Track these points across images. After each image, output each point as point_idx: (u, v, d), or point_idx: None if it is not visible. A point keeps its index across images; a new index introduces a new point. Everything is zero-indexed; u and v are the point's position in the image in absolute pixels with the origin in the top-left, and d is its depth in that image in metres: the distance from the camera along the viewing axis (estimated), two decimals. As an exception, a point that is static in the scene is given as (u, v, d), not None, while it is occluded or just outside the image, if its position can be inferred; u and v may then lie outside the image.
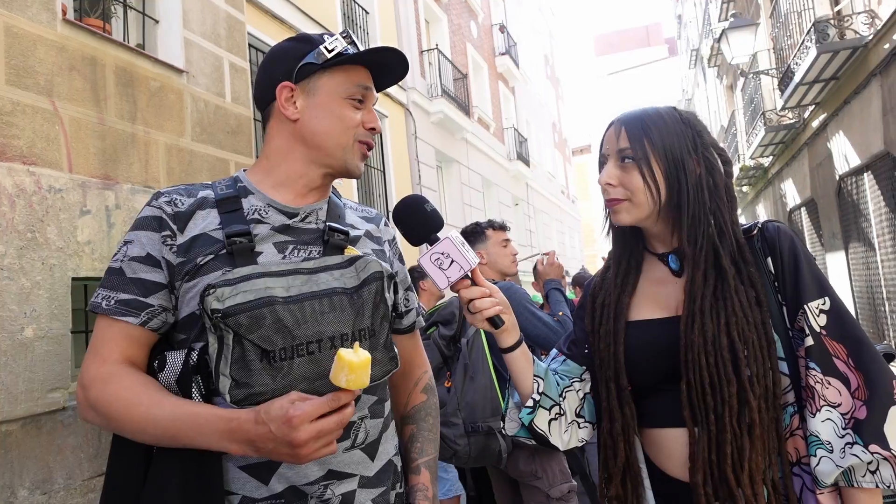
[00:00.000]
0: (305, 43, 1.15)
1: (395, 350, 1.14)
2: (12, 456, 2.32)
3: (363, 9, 9.62)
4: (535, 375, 1.20)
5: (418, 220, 1.14)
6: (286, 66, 1.14)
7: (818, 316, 1.04)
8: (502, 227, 2.98)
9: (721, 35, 9.38)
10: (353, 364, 0.85)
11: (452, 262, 1.07)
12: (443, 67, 11.91)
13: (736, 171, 13.55)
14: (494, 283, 2.25)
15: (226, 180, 1.17)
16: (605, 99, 41.44)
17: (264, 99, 1.18)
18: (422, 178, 10.65)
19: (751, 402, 1.03)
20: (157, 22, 3.51)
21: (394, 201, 9.65)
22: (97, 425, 1.02)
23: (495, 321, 1.13)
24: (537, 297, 4.54)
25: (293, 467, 1.04)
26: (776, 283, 1.09)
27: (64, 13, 2.80)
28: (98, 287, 1.06)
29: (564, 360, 1.29)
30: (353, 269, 1.09)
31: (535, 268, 4.45)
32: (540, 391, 1.20)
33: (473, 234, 2.95)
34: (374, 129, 1.18)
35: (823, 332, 1.04)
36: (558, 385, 1.24)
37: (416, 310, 1.33)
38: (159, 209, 1.08)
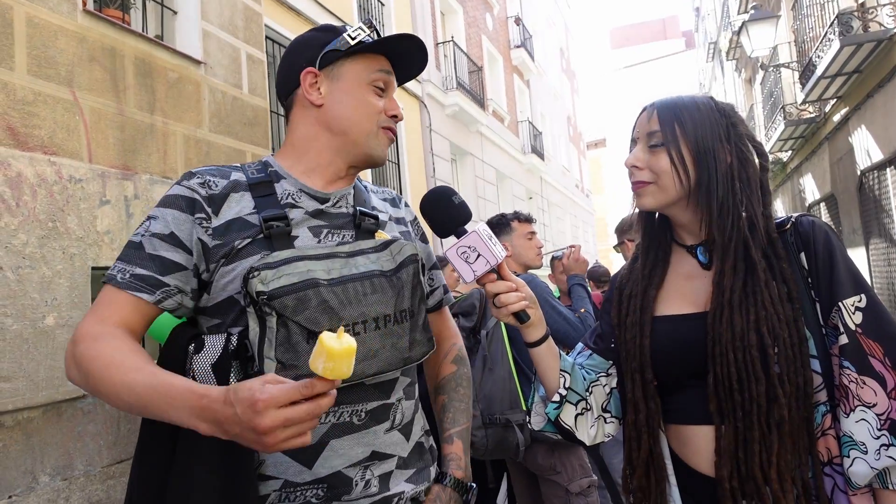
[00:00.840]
0: (329, 32, 1.17)
1: (432, 331, 1.16)
2: (33, 442, 2.35)
3: (379, 0, 9.59)
4: (561, 370, 1.19)
5: (446, 213, 1.12)
6: (310, 53, 1.16)
7: (854, 313, 1.01)
8: (528, 220, 2.96)
9: (741, 28, 9.24)
10: (333, 351, 0.75)
11: (479, 255, 1.06)
12: (458, 60, 11.86)
13: (754, 165, 13.40)
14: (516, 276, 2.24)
15: (255, 164, 1.17)
16: (620, 92, 41.08)
17: (287, 87, 1.18)
18: (436, 170, 10.63)
19: (780, 399, 1.01)
20: (175, 13, 3.52)
21: (408, 194, 9.64)
22: (79, 385, 0.99)
23: (521, 316, 1.12)
24: (555, 290, 4.52)
25: (339, 449, 1.03)
26: (809, 279, 1.07)
27: (84, 4, 2.81)
28: (116, 260, 1.05)
29: (591, 355, 1.28)
30: (388, 253, 1.10)
31: (552, 260, 4.43)
32: (566, 386, 1.19)
33: (499, 225, 2.93)
34: (395, 116, 1.18)
35: (859, 330, 1.01)
36: (584, 380, 1.23)
37: (441, 287, 1.35)
38: (192, 190, 1.07)
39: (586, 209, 27.59)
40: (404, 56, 1.20)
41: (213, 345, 1.01)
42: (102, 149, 2.79)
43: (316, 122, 1.15)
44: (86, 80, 2.74)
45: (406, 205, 1.34)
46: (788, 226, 1.11)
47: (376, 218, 1.18)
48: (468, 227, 1.11)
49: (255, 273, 0.97)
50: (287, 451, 0.97)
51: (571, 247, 3.07)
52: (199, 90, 3.42)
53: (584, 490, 2.32)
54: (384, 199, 1.29)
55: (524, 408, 2.26)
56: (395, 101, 1.19)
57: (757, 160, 1.14)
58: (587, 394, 1.21)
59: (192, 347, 1.02)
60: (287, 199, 1.11)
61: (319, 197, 1.14)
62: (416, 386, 1.21)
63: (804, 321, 1.04)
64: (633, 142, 1.18)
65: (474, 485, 1.22)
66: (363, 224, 1.15)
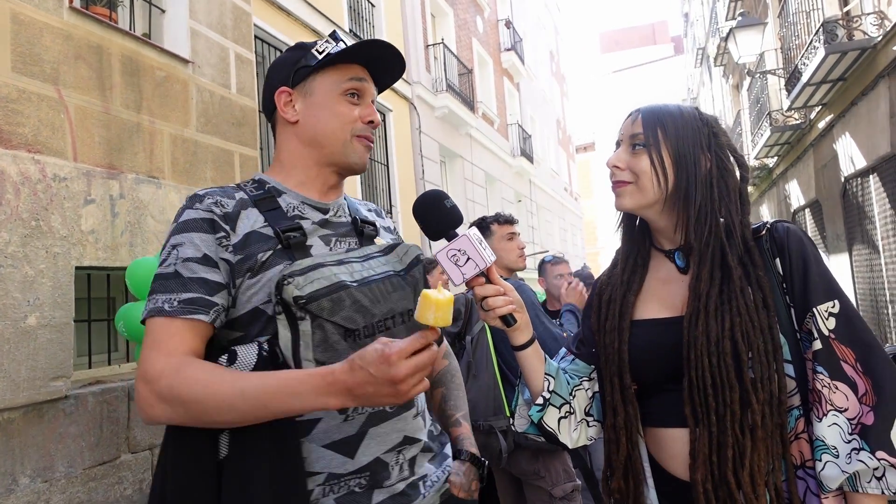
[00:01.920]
0: (300, 50, 1.21)
1: None
2: (14, 443, 2.32)
3: (369, 2, 9.58)
4: (546, 373, 1.21)
5: (438, 216, 1.13)
6: (284, 72, 1.20)
7: (827, 319, 1.03)
8: (508, 221, 2.94)
9: (728, 34, 9.33)
10: (440, 302, 0.89)
11: (469, 259, 1.07)
12: (448, 62, 11.87)
13: (740, 170, 13.50)
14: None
15: (250, 183, 1.20)
16: (609, 97, 41.27)
17: (269, 108, 1.24)
18: (425, 172, 10.63)
19: (754, 405, 1.02)
20: (163, 11, 3.49)
21: (397, 195, 9.63)
22: (167, 420, 0.98)
23: (508, 319, 1.13)
24: (541, 295, 4.53)
25: (377, 436, 1.08)
26: (784, 285, 1.08)
27: (70, 1, 2.79)
28: (150, 295, 1.04)
29: (573, 360, 1.30)
30: (395, 255, 1.18)
31: (540, 264, 4.44)
32: (550, 389, 1.21)
33: (479, 228, 2.94)
34: (372, 122, 1.21)
35: (832, 335, 1.02)
36: (568, 384, 1.24)
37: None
38: (208, 211, 1.08)
39: (575, 213, 27.71)
40: (379, 61, 1.23)
41: (247, 354, 1.02)
42: (88, 147, 2.77)
43: (296, 139, 1.20)
44: (71, 77, 2.72)
45: (384, 215, 1.41)
46: (763, 231, 1.12)
47: (374, 225, 1.25)
48: (459, 230, 1.11)
49: (290, 280, 1.00)
50: (328, 444, 1.04)
51: (576, 274, 3.07)
52: (186, 89, 3.40)
53: (567, 494, 2.32)
54: (370, 210, 1.35)
55: (507, 414, 2.26)
56: (371, 107, 1.22)
57: (737, 171, 1.16)
58: (570, 397, 1.23)
59: (223, 360, 1.02)
60: (293, 211, 1.16)
61: (321, 207, 1.19)
62: None
63: (779, 328, 1.05)
64: (617, 144, 1.20)
65: (486, 461, 1.30)
66: (365, 231, 1.22)
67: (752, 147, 11.96)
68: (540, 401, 1.20)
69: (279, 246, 1.09)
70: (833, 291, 1.05)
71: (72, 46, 2.75)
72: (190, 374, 0.97)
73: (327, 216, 1.19)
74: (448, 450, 1.26)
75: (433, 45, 11.72)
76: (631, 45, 48.54)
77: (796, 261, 1.07)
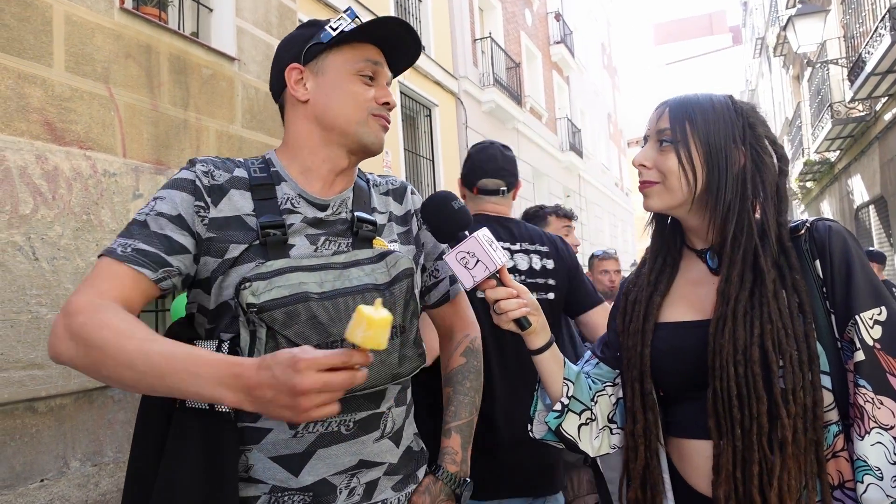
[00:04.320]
0: (312, 27, 1.15)
1: (424, 346, 1.13)
2: (65, 428, 2.42)
3: (417, -3, 9.61)
4: (565, 378, 1.15)
5: (445, 218, 1.10)
6: (294, 50, 1.15)
7: (872, 327, 0.95)
8: (567, 216, 2.85)
9: (787, 22, 8.95)
10: (373, 320, 0.78)
11: (478, 261, 1.03)
12: (495, 56, 11.80)
13: (800, 165, 12.98)
14: None
15: (258, 160, 1.15)
16: (663, 89, 40.32)
17: (277, 87, 1.18)
18: (471, 167, 10.61)
19: (784, 419, 0.95)
20: (211, 10, 3.58)
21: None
22: (69, 360, 0.91)
23: (522, 323, 1.09)
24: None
25: (326, 458, 1.02)
26: (824, 289, 1.01)
27: (122, 2, 2.88)
28: (119, 235, 1.01)
29: (597, 364, 1.24)
30: (383, 265, 1.08)
31: (591, 258, 4.36)
32: (570, 395, 1.15)
33: (535, 217, 2.87)
34: (387, 103, 1.15)
35: (877, 345, 0.94)
36: (590, 389, 1.19)
37: (448, 278, 1.30)
38: (195, 175, 1.05)
39: (626, 208, 27.18)
40: (395, 43, 1.17)
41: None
42: (136, 144, 2.86)
43: (305, 119, 1.14)
44: (121, 76, 2.81)
45: (413, 192, 1.29)
46: (803, 231, 1.05)
47: (374, 224, 1.15)
48: (469, 232, 1.08)
49: (248, 284, 0.96)
50: (275, 457, 1.00)
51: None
52: (232, 86, 3.48)
53: None
54: (385, 194, 1.25)
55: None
56: (386, 89, 1.16)
57: (776, 164, 1.08)
58: (592, 403, 1.18)
59: None
60: (286, 203, 1.10)
61: (319, 203, 1.12)
62: (409, 390, 1.20)
63: (817, 335, 0.98)
64: (645, 140, 1.14)
65: (469, 480, 1.20)
66: (361, 232, 1.12)
67: (813, 140, 11.47)
68: (558, 407, 1.15)
69: (257, 241, 1.03)
70: (880, 297, 0.97)
71: (122, 46, 2.84)
72: (105, 318, 0.89)
73: (323, 214, 1.11)
74: (421, 472, 1.18)
75: (480, 39, 11.67)
76: (686, 37, 47.18)
77: (839, 263, 0.99)
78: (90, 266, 2.55)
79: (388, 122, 1.17)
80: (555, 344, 1.16)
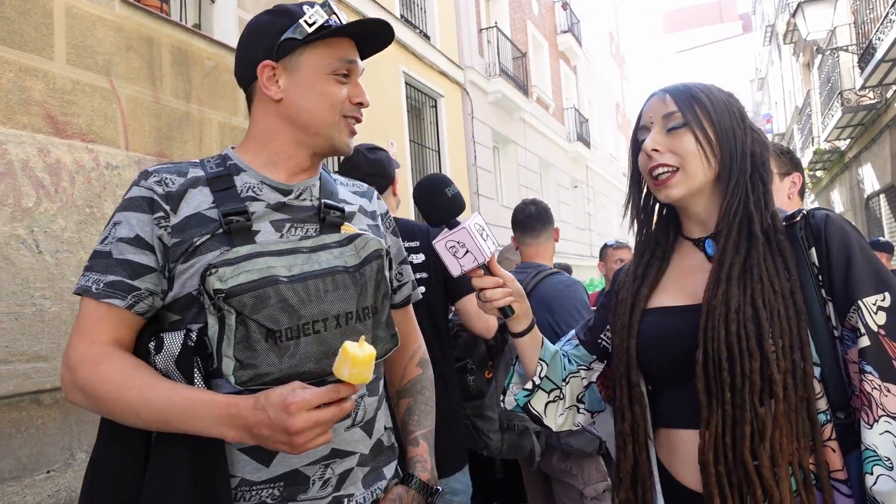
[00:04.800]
0: (285, 17, 1.10)
1: (395, 328, 1.12)
2: (71, 420, 2.44)
3: (422, -13, 9.55)
4: (540, 359, 1.18)
5: (438, 204, 1.09)
6: (266, 42, 1.09)
7: (876, 313, 0.93)
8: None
9: (797, 8, 8.84)
10: (357, 359, 0.85)
11: (467, 251, 1.03)
12: (501, 46, 11.72)
13: (809, 154, 12.85)
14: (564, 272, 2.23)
15: (214, 158, 1.13)
16: (672, 78, 39.89)
17: (246, 78, 1.13)
18: (477, 158, 10.57)
19: (775, 376, 0.93)
20: (213, 2, 3.57)
21: (449, 182, 9.61)
22: (86, 408, 1.00)
23: (505, 311, 1.11)
24: (597, 283, 4.48)
25: None
26: (820, 277, 0.99)
27: (123, -6, 2.88)
28: (85, 269, 1.03)
29: (577, 346, 1.26)
30: (352, 247, 1.07)
31: (602, 248, 4.33)
32: (542, 375, 1.18)
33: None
34: (361, 103, 1.13)
35: (882, 331, 0.92)
36: (564, 370, 1.21)
37: (410, 283, 1.32)
38: (150, 190, 1.04)
39: (633, 198, 27.01)
40: (368, 35, 1.15)
41: (173, 342, 1.00)
42: (139, 136, 2.86)
43: (276, 117, 1.11)
44: (123, 69, 2.81)
45: (378, 198, 1.30)
46: (798, 218, 1.03)
47: (342, 210, 1.14)
48: (461, 219, 1.07)
49: (213, 270, 0.95)
50: (245, 448, 0.99)
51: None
52: (234, 78, 3.47)
53: (599, 494, 2.26)
54: (355, 192, 1.25)
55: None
56: (359, 86, 1.14)
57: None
58: (563, 383, 1.20)
59: (152, 346, 1.00)
60: (248, 192, 1.08)
61: (282, 189, 1.10)
62: (382, 382, 1.19)
63: (808, 324, 0.97)
64: (643, 129, 1.11)
65: (440, 488, 1.21)
66: (328, 217, 1.11)
67: (823, 129, 11.35)
68: (529, 385, 1.19)
69: (220, 230, 1.02)
70: (884, 283, 0.95)
71: (123, 38, 2.84)
72: (104, 372, 0.96)
73: (287, 199, 1.09)
74: (389, 469, 1.17)
75: (486, 28, 11.59)
76: (696, 24, 46.72)
77: (837, 250, 0.97)
78: (94, 259, 2.57)
79: (359, 121, 1.16)
80: (536, 328, 1.18)
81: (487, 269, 1.08)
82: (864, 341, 0.93)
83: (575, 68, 18.18)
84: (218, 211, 1.03)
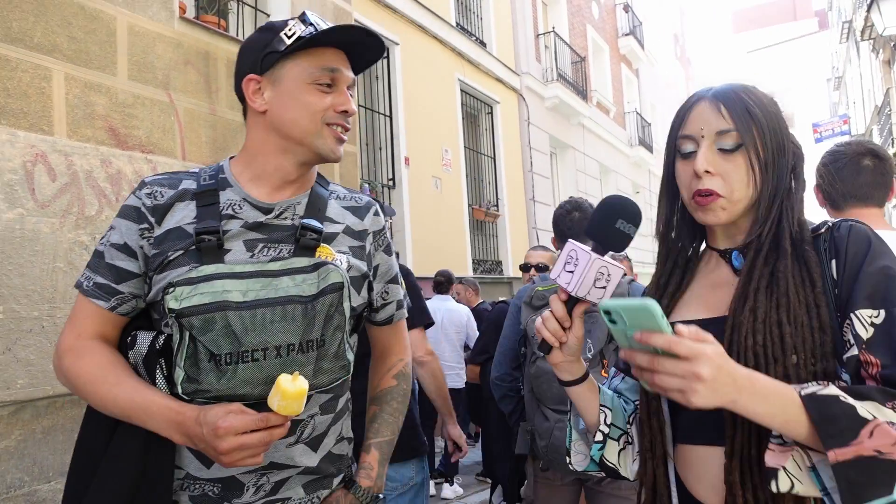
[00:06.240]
0: (269, 32, 1.14)
1: (349, 357, 1.12)
2: (128, 417, 2.57)
3: (478, -6, 9.58)
4: (601, 405, 1.09)
5: (603, 227, 1.01)
6: (252, 57, 1.14)
7: (868, 328, 0.88)
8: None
9: (871, 3, 8.38)
10: (287, 392, 0.92)
11: (572, 272, 0.96)
12: (559, 50, 11.62)
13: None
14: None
15: (211, 168, 1.18)
16: (742, 80, 38.38)
17: (239, 93, 1.18)
18: (534, 164, 10.50)
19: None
20: (268, 16, 3.70)
21: (503, 188, 9.59)
22: (68, 389, 1.10)
23: (544, 346, 1.03)
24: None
25: None
26: (836, 290, 0.93)
27: (183, 11, 3.02)
28: (87, 264, 1.13)
29: (623, 378, 1.19)
30: (315, 276, 1.07)
31: None
32: (608, 422, 1.09)
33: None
34: (346, 111, 1.14)
35: (864, 346, 0.88)
36: (625, 411, 1.14)
37: (397, 302, 1.32)
38: (139, 200, 1.11)
39: (699, 203, 26.19)
40: (354, 44, 1.16)
41: (143, 342, 1.08)
42: (195, 147, 2.99)
43: (264, 128, 1.14)
44: (181, 82, 2.95)
45: (377, 213, 1.28)
46: (823, 230, 0.98)
47: (319, 232, 1.14)
48: (609, 254, 1.00)
49: (171, 289, 1.00)
50: (191, 448, 1.06)
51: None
52: (287, 89, 3.58)
53: None
54: (349, 208, 1.24)
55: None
56: (345, 94, 1.15)
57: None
58: (628, 426, 1.12)
59: (128, 340, 1.10)
60: (228, 209, 1.12)
61: (262, 207, 1.13)
62: (343, 398, 1.20)
63: (832, 334, 0.91)
64: (689, 139, 1.02)
65: (381, 496, 1.24)
66: (303, 240, 1.12)
67: (904, 129, 10.69)
68: (599, 437, 1.09)
69: (193, 246, 1.07)
70: (888, 301, 0.89)
71: (181, 53, 2.97)
72: (83, 366, 1.07)
73: (265, 218, 1.12)
74: (337, 480, 1.20)
75: (544, 34, 11.53)
76: (768, 23, 44.91)
77: (850, 262, 0.92)
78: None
79: (347, 130, 1.17)
80: (591, 376, 1.09)
81: (572, 303, 1.00)
82: (853, 352, 0.89)
83: (637, 71, 17.83)
84: (194, 227, 1.08)
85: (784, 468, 0.84)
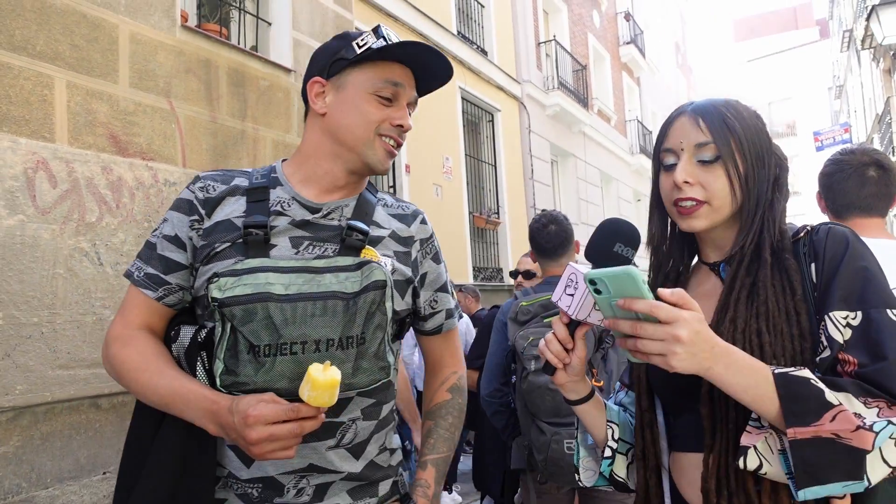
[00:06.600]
0: (342, 40, 1.18)
1: (389, 360, 1.11)
2: (127, 424, 2.56)
3: (478, 2, 9.62)
4: (608, 421, 1.11)
5: (601, 248, 1.01)
6: (322, 62, 1.19)
7: (843, 329, 0.89)
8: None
9: (871, 12, 8.41)
10: (317, 382, 0.90)
11: (572, 297, 0.98)
12: (560, 59, 11.65)
13: None
14: None
15: (264, 169, 1.22)
16: (743, 88, 38.54)
17: (303, 94, 1.22)
18: (535, 172, 10.51)
19: None
20: (269, 24, 3.72)
21: (504, 196, 9.60)
22: (112, 377, 1.13)
23: (547, 367, 1.05)
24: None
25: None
26: (814, 294, 0.94)
27: (185, 19, 3.04)
28: (136, 255, 1.17)
29: (627, 392, 1.21)
30: (359, 274, 1.08)
31: None
32: (616, 437, 1.11)
33: None
34: (401, 126, 1.17)
35: (844, 346, 0.89)
36: (631, 425, 1.15)
37: (446, 311, 1.31)
38: (192, 193, 1.15)
39: (701, 211, 26.19)
40: (424, 64, 1.19)
41: (185, 335, 1.11)
42: (196, 154, 3.00)
43: (321, 131, 1.18)
44: (182, 90, 2.96)
45: (423, 221, 1.29)
46: (803, 234, 1.00)
47: (366, 234, 1.15)
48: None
49: (216, 279, 1.02)
50: (232, 446, 1.08)
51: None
52: (288, 97, 3.59)
53: None
54: (395, 215, 1.26)
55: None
56: (404, 110, 1.18)
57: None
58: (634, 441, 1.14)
59: (172, 334, 1.13)
60: (277, 205, 1.14)
61: (310, 206, 1.15)
62: (386, 408, 1.19)
63: (811, 341, 0.92)
64: (670, 152, 1.05)
65: None
66: (348, 240, 1.13)
67: (905, 138, 10.70)
68: (608, 452, 1.11)
69: (240, 240, 1.09)
70: (863, 302, 0.89)
71: (183, 61, 2.99)
72: (129, 353, 1.09)
73: (313, 217, 1.15)
74: (385, 484, 1.19)
75: (545, 42, 11.57)
76: (769, 32, 44.99)
77: (829, 262, 0.93)
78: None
79: (400, 144, 1.19)
80: (597, 394, 1.11)
81: (574, 325, 1.02)
82: (825, 353, 0.90)
83: (638, 79, 17.87)
84: (243, 221, 1.11)
85: (755, 447, 0.85)
